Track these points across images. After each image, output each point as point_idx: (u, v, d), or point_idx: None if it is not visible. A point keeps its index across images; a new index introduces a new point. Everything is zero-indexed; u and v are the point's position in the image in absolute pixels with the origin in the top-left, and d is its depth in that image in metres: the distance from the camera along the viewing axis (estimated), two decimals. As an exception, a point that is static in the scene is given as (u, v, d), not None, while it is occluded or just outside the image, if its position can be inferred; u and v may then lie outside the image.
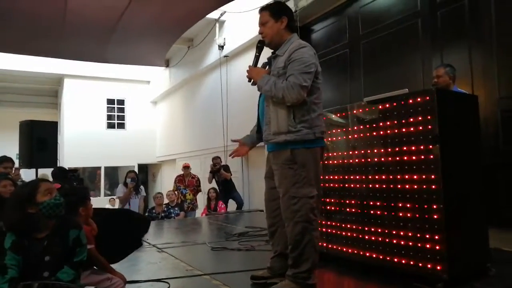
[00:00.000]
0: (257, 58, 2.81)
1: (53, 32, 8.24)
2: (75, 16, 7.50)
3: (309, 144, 2.58)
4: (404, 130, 2.78)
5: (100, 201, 12.94)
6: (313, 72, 2.58)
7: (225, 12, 9.73)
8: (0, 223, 2.12)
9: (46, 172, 7.23)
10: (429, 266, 2.59)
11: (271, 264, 2.86)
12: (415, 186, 2.69)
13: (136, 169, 15.50)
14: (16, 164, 5.98)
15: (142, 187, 7.12)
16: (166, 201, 7.82)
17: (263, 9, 2.77)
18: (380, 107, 2.96)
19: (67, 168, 6.56)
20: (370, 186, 3.02)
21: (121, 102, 15.95)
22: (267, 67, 2.84)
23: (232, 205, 8.70)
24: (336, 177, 3.36)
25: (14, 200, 2.03)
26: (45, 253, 1.97)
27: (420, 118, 2.68)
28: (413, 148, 2.72)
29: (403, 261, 2.75)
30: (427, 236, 2.60)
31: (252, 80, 2.75)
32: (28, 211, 1.97)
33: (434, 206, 2.57)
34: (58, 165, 6.62)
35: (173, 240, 4.83)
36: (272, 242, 2.89)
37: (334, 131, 3.42)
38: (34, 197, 2.00)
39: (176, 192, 8.23)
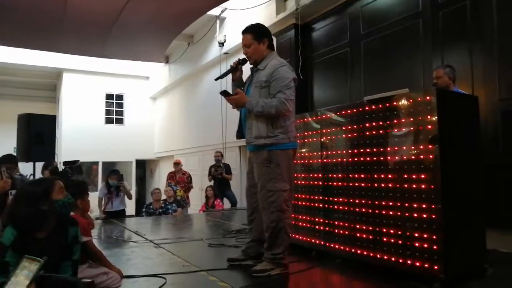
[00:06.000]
0: (228, 72, 3.25)
1: (53, 26, 8.21)
2: (75, 10, 7.48)
3: (283, 146, 3.00)
4: (403, 129, 2.79)
5: (97, 196, 12.86)
6: (293, 87, 3.00)
7: (225, 9, 9.72)
8: None
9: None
10: (426, 265, 2.59)
11: (246, 248, 3.31)
12: (414, 186, 2.69)
13: (134, 165, 15.52)
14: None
15: (126, 183, 7.14)
16: (163, 197, 7.81)
17: (245, 32, 3.16)
18: (380, 106, 2.96)
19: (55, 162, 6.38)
20: (369, 184, 3.01)
21: (120, 97, 15.93)
22: (237, 72, 3.26)
23: (226, 203, 8.69)
24: (334, 176, 3.37)
25: (27, 196, 1.98)
26: (43, 253, 1.94)
27: (420, 118, 2.68)
28: (413, 147, 2.72)
29: (400, 260, 2.75)
30: (425, 235, 2.60)
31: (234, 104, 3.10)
32: (41, 208, 1.95)
33: (433, 206, 2.57)
34: (55, 159, 6.55)
35: (170, 236, 4.82)
36: (249, 227, 3.33)
37: (333, 129, 3.41)
38: (50, 194, 1.99)
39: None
